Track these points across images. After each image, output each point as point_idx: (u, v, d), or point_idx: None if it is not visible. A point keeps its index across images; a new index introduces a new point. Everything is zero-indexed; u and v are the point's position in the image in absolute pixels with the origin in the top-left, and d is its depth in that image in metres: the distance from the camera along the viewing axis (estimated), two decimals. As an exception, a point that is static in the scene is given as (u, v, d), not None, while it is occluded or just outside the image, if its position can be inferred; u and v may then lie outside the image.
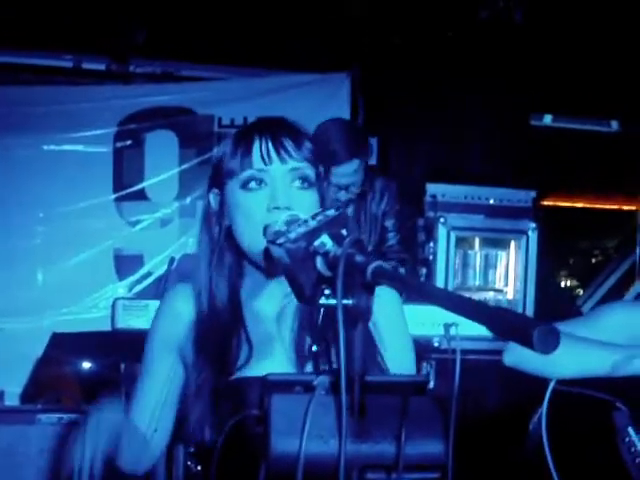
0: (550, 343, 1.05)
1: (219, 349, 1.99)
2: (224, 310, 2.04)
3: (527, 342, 1.04)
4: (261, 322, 2.05)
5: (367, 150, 4.55)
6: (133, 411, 2.14)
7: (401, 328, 2.16)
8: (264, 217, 1.90)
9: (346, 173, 4.27)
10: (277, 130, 2.00)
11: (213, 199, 2.06)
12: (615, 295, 7.80)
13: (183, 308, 2.10)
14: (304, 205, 1.92)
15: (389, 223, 4.75)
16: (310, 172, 1.99)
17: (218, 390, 1.94)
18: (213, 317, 2.03)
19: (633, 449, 2.65)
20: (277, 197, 1.92)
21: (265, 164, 1.95)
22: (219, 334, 2.01)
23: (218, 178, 2.04)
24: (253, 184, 1.96)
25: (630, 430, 2.66)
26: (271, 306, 2.07)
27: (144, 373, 2.16)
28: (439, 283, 4.96)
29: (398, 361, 2.05)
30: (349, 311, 1.35)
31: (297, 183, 1.96)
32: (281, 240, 1.53)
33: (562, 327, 2.73)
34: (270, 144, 1.96)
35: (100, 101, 6.16)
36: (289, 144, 1.97)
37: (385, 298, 2.06)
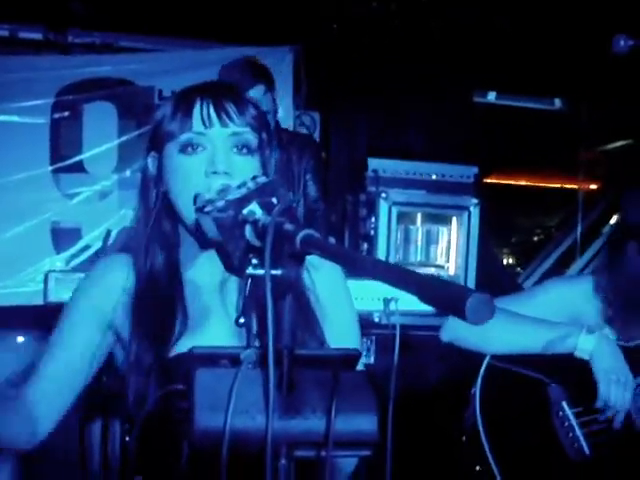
0: (483, 313, 1.01)
1: (156, 322, 1.92)
2: (161, 281, 1.97)
3: (460, 311, 1.00)
4: (200, 293, 1.99)
5: (271, 77, 4.69)
6: (32, 382, 1.94)
7: (344, 302, 2.10)
8: (201, 182, 1.83)
9: (257, 98, 4.34)
10: (220, 93, 1.94)
11: (151, 163, 1.99)
12: (555, 273, 7.88)
13: (117, 279, 2.01)
14: (244, 171, 1.85)
15: (309, 177, 4.81)
16: (252, 138, 1.92)
17: (155, 364, 1.87)
18: (150, 288, 1.96)
19: (567, 423, 2.66)
20: (216, 162, 1.85)
21: (205, 127, 1.88)
22: (156, 306, 1.94)
23: (157, 141, 1.95)
24: (192, 147, 1.89)
25: (564, 404, 2.67)
26: (211, 276, 2.00)
27: (55, 344, 1.98)
28: (380, 258, 4.94)
29: (341, 336, 2.00)
30: (278, 282, 1.30)
31: (237, 149, 1.90)
32: (208, 208, 1.47)
33: (500, 302, 2.74)
34: (211, 107, 1.90)
35: (37, 71, 6.04)
36: (231, 108, 1.91)
37: (327, 271, 2.02)
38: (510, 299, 2.84)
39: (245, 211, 1.43)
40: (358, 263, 1.20)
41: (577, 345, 2.64)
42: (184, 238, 2.01)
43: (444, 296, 1.04)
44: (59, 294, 3.80)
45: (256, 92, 4.43)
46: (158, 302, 1.95)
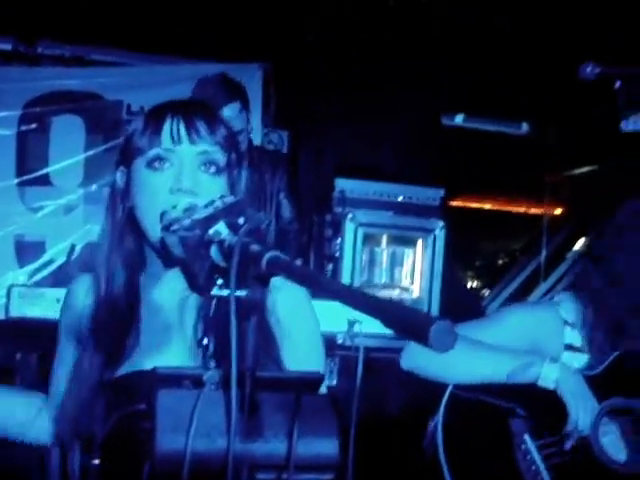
0: (446, 341, 1.01)
1: (111, 339, 1.92)
2: (120, 297, 1.96)
3: (423, 339, 1.00)
4: (159, 312, 1.98)
5: (245, 95, 4.73)
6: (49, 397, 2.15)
7: (307, 322, 2.07)
8: (166, 199, 1.82)
9: (232, 116, 4.38)
10: (191, 111, 1.94)
11: (120, 177, 1.98)
12: (519, 297, 7.92)
13: (80, 297, 2.04)
14: (210, 191, 1.84)
15: (282, 196, 4.82)
16: (221, 157, 1.91)
17: (105, 382, 1.86)
18: (108, 305, 1.96)
19: (529, 456, 2.65)
20: (182, 179, 1.84)
21: (174, 143, 1.88)
22: (113, 323, 1.94)
23: (126, 155, 1.95)
24: (158, 163, 1.88)
25: (526, 437, 2.66)
26: (171, 295, 1.99)
27: (55, 361, 2.15)
28: (345, 280, 4.93)
29: (304, 357, 1.99)
30: (242, 303, 1.30)
31: (205, 167, 1.89)
32: (175, 227, 1.47)
33: (462, 329, 2.73)
34: (182, 124, 1.89)
35: (5, 82, 6.02)
36: (202, 126, 1.90)
37: (289, 291, 2.00)
38: (472, 325, 2.83)
39: (211, 231, 1.43)
40: (324, 286, 1.19)
41: (540, 374, 2.64)
42: (149, 255, 2.00)
43: (408, 322, 1.04)
44: (21, 309, 3.76)
45: (231, 110, 4.43)
46: (116, 320, 1.94)
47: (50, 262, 5.93)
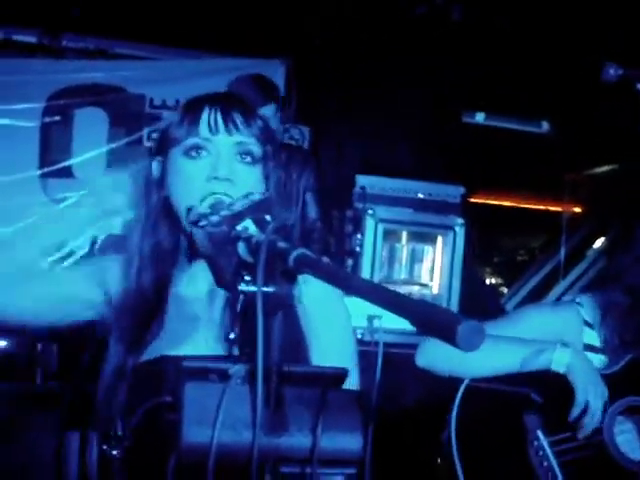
0: (474, 341, 1.03)
1: (136, 327, 1.94)
2: (149, 288, 1.99)
3: (450, 338, 1.01)
4: (188, 301, 2.01)
5: (279, 97, 4.87)
6: None
7: (336, 315, 2.10)
8: (203, 186, 1.87)
9: (269, 117, 4.37)
10: (228, 103, 1.98)
11: (155, 167, 2.03)
12: (538, 295, 7.90)
13: (109, 278, 2.06)
14: (246, 180, 1.90)
15: (309, 197, 4.82)
16: (256, 149, 1.96)
17: (129, 371, 1.88)
18: (137, 294, 1.98)
19: (541, 452, 2.66)
20: (218, 167, 1.89)
21: (211, 133, 1.92)
22: (139, 312, 1.96)
23: (162, 146, 2.00)
24: (195, 152, 1.93)
25: (539, 433, 2.67)
26: (201, 286, 2.01)
27: None
28: (365, 275, 4.95)
29: (330, 350, 2.02)
30: (269, 299, 1.32)
31: (241, 157, 1.93)
32: (203, 223, 1.49)
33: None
34: (219, 115, 1.94)
35: (30, 74, 6.02)
36: (238, 118, 1.95)
37: (318, 284, 2.02)
38: (490, 325, 2.84)
39: (239, 227, 1.45)
40: (351, 284, 1.21)
41: (553, 359, 2.65)
42: (182, 245, 2.02)
43: (435, 322, 1.06)
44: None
45: (268, 111, 4.47)
46: (143, 308, 1.96)
47: (71, 254, 5.95)
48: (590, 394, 2.61)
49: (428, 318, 1.07)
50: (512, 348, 2.73)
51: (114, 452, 1.94)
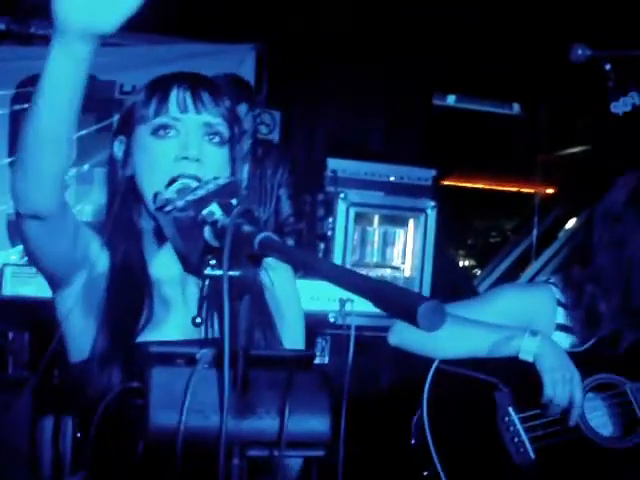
0: (435, 321, 1.03)
1: (122, 313, 1.92)
2: (127, 269, 1.96)
3: (412, 318, 1.02)
4: (162, 286, 1.98)
5: (252, 96, 4.82)
6: None
7: (296, 301, 2.14)
8: (170, 167, 1.85)
9: (240, 117, 4.38)
10: (196, 82, 1.96)
11: (117, 147, 1.99)
12: (511, 276, 7.95)
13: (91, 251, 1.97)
14: (214, 161, 1.89)
15: (283, 192, 4.83)
16: (224, 130, 1.94)
17: (115, 355, 1.86)
18: (116, 276, 1.96)
19: (512, 428, 2.68)
20: (188, 147, 1.87)
21: (181, 112, 1.90)
22: (120, 296, 1.94)
23: (126, 125, 1.97)
24: (164, 131, 1.90)
25: (510, 409, 2.69)
26: (174, 268, 1.99)
27: None
28: (337, 259, 4.95)
29: (293, 335, 2.04)
30: (235, 283, 1.31)
31: (209, 137, 1.92)
32: (168, 208, 1.48)
33: (454, 308, 2.77)
34: (188, 93, 1.91)
35: (-2, 62, 5.98)
36: (206, 97, 1.93)
37: (283, 271, 2.05)
38: (463, 305, 2.86)
39: (205, 212, 1.44)
40: (315, 267, 1.21)
41: (521, 347, 2.66)
42: (146, 227, 2.01)
43: (397, 302, 1.06)
44: (14, 288, 3.77)
45: (240, 110, 4.46)
46: (125, 292, 1.94)
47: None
48: (557, 385, 2.64)
49: (390, 299, 1.07)
50: (481, 333, 2.74)
51: (87, 438, 1.93)
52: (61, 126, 1.60)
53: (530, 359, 2.66)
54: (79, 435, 2.01)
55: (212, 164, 1.86)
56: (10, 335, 4.28)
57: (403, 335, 2.79)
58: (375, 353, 4.15)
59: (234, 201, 1.46)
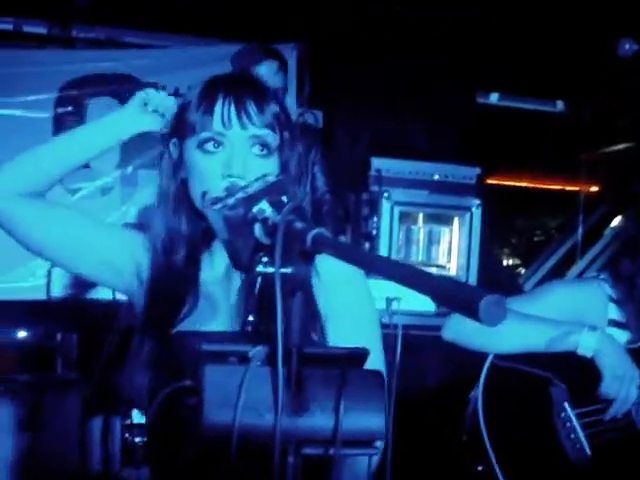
0: (497, 314, 1.01)
1: (166, 306, 1.93)
2: (178, 264, 1.97)
3: (473, 313, 1.00)
4: (207, 284, 1.99)
5: (283, 58, 4.86)
6: None
7: (355, 299, 2.06)
8: (217, 183, 1.84)
9: (269, 74, 4.44)
10: (242, 90, 1.93)
11: (172, 148, 2.00)
12: (556, 275, 7.88)
13: (139, 253, 2.04)
14: (261, 173, 1.86)
15: (317, 169, 4.83)
16: (271, 139, 1.92)
17: (158, 354, 1.86)
18: (167, 271, 1.97)
19: (568, 424, 2.66)
20: (232, 165, 1.86)
21: (224, 127, 1.89)
22: (170, 290, 1.95)
23: (178, 129, 1.97)
24: (210, 146, 1.90)
25: (566, 405, 2.67)
26: (218, 268, 2.01)
27: None
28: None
29: (349, 334, 1.97)
30: (287, 280, 1.31)
31: (256, 149, 1.90)
32: (218, 206, 1.47)
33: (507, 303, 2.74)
34: (232, 106, 1.89)
35: (41, 66, 6.01)
36: (252, 108, 1.90)
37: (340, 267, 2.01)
38: (514, 301, 2.84)
39: (255, 209, 1.44)
40: (370, 262, 1.20)
41: (579, 342, 2.64)
42: (194, 228, 2.00)
43: (458, 297, 1.04)
44: (62, 289, 3.80)
45: (268, 68, 4.44)
46: (173, 286, 1.95)
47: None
48: (618, 381, 2.61)
49: (450, 294, 1.06)
50: (539, 327, 2.72)
51: (136, 440, 1.93)
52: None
53: (589, 355, 2.64)
54: (127, 436, 2.01)
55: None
56: (58, 336, 4.31)
57: (459, 330, 2.78)
58: (422, 352, 4.13)
59: (284, 198, 1.45)
